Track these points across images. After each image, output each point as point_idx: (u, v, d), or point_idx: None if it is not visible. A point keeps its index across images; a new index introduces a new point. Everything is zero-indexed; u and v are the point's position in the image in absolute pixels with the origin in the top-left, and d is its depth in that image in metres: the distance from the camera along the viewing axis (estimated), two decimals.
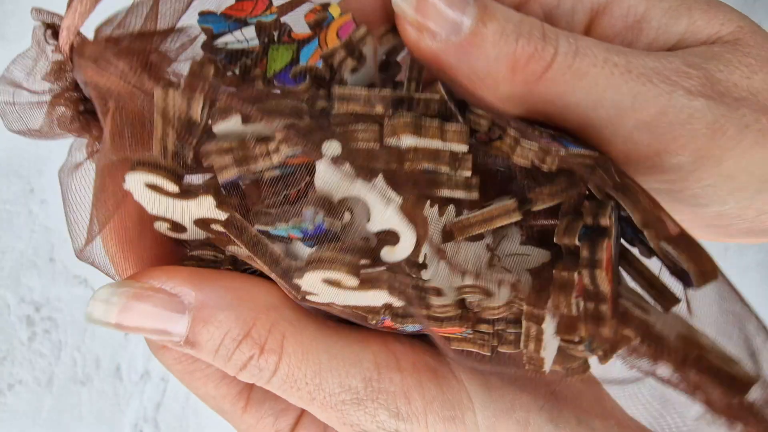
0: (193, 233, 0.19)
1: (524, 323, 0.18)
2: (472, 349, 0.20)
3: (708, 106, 0.18)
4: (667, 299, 0.18)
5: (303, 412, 0.22)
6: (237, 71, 0.18)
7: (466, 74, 0.17)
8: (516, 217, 0.17)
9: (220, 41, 0.18)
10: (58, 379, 0.51)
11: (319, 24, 0.18)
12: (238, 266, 0.20)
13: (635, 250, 0.19)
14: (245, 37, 0.18)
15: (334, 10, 0.18)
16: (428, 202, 0.17)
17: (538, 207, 0.18)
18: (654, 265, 0.18)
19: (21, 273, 0.51)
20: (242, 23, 0.18)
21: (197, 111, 0.16)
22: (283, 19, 0.19)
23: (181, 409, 0.50)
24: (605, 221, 0.17)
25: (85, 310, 0.17)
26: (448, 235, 0.18)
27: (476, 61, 0.17)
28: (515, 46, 0.17)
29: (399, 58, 0.19)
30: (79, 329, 0.51)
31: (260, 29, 0.18)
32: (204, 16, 0.18)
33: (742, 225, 0.21)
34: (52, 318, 0.51)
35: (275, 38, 0.18)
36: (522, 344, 0.18)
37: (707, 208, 0.20)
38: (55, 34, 0.17)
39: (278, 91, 0.17)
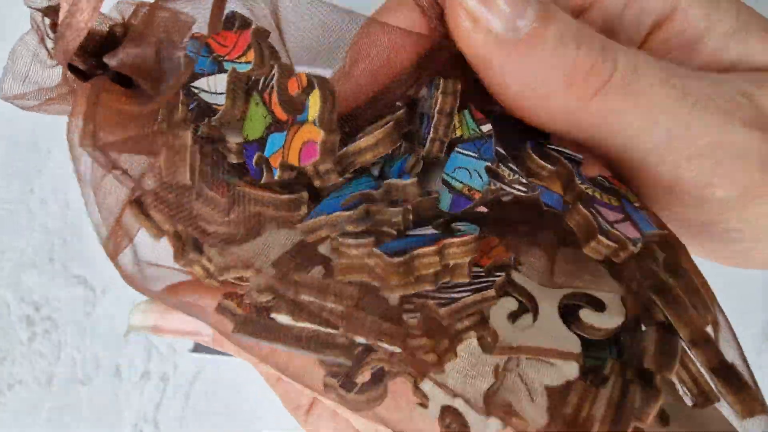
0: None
1: None
2: None
3: (763, 140, 0.16)
4: (707, 398, 0.17)
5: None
6: (200, 130, 0.18)
7: (516, 80, 0.16)
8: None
9: (197, 84, 0.18)
10: (58, 379, 0.51)
11: (299, 104, 0.17)
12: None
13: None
14: (215, 89, 0.17)
15: (314, 102, 0.16)
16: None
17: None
18: None
19: (21, 273, 0.51)
20: (220, 66, 0.18)
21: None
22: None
23: (181, 409, 0.50)
24: (659, 382, 0.16)
25: (128, 319, 0.21)
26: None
27: (530, 66, 0.15)
28: (574, 56, 0.15)
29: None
30: (79, 329, 0.51)
31: (232, 82, 0.17)
32: (193, 40, 0.18)
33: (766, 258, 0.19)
34: (52, 318, 0.51)
35: (259, 87, 0.17)
36: None
37: (738, 244, 0.19)
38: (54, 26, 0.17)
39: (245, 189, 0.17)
